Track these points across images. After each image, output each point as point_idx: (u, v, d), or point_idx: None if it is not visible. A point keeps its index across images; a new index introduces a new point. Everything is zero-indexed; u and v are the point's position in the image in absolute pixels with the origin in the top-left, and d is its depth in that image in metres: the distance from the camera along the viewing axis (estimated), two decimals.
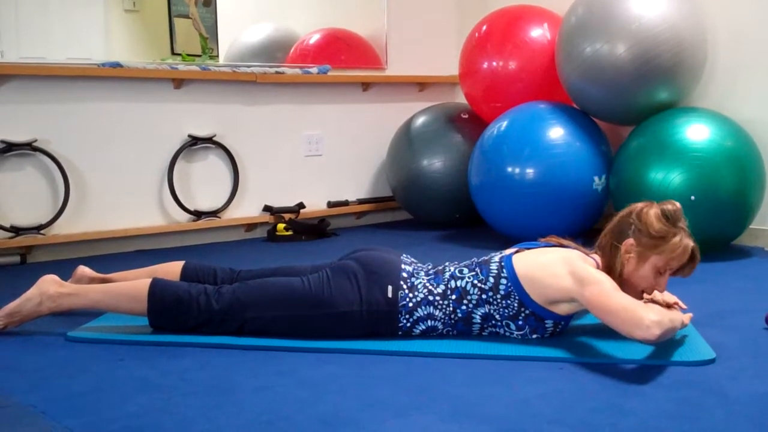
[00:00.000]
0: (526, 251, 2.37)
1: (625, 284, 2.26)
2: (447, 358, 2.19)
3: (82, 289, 2.43)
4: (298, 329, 2.33)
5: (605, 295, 2.13)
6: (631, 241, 2.26)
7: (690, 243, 2.25)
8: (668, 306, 2.30)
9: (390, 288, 2.32)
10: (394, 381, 2.01)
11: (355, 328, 2.31)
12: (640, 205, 2.31)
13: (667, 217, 2.23)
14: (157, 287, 2.37)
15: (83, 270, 2.70)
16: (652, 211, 2.24)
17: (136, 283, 2.41)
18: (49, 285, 2.40)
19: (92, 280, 2.66)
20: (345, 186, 4.84)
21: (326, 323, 2.31)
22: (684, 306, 2.39)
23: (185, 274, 2.59)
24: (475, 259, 2.42)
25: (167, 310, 2.36)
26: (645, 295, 2.31)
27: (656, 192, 3.49)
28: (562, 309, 2.27)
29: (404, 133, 4.65)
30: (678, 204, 2.28)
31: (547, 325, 2.30)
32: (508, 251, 2.39)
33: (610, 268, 2.28)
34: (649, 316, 2.04)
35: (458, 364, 2.14)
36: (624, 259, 2.27)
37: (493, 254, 2.40)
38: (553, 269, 2.24)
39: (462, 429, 1.71)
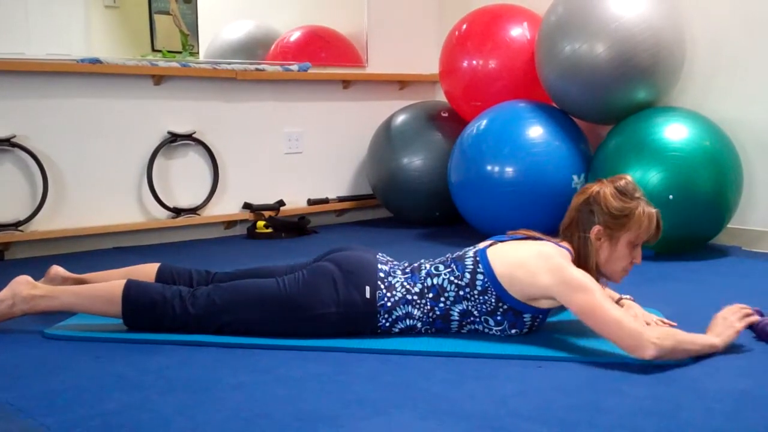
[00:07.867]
0: (500, 244, 2.35)
1: (603, 272, 2.28)
2: (426, 356, 2.19)
3: (55, 291, 2.39)
4: (276, 331, 2.31)
5: (598, 306, 2.09)
6: (598, 227, 2.25)
7: (652, 210, 2.27)
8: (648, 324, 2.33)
9: (368, 288, 2.30)
10: (373, 379, 2.02)
11: (333, 329, 2.30)
12: (591, 188, 2.30)
13: (623, 193, 2.25)
14: (132, 290, 2.34)
15: (56, 270, 2.61)
16: (608, 191, 2.26)
17: (110, 285, 2.37)
18: (22, 287, 2.37)
19: (65, 280, 2.59)
20: (325, 183, 4.84)
21: (303, 325, 2.30)
22: (673, 323, 2.40)
23: (160, 276, 2.54)
24: (449, 255, 2.40)
25: (142, 314, 2.33)
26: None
27: None
28: (542, 304, 2.26)
29: (384, 131, 4.65)
30: (629, 176, 2.31)
31: (525, 319, 2.29)
32: (481, 245, 2.37)
33: (585, 259, 2.27)
34: (650, 339, 2.03)
35: (437, 362, 2.15)
36: (597, 247, 2.26)
37: (467, 249, 2.39)
38: (531, 267, 2.22)
39: (440, 426, 1.72)
